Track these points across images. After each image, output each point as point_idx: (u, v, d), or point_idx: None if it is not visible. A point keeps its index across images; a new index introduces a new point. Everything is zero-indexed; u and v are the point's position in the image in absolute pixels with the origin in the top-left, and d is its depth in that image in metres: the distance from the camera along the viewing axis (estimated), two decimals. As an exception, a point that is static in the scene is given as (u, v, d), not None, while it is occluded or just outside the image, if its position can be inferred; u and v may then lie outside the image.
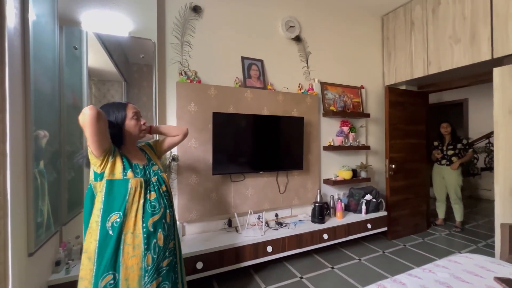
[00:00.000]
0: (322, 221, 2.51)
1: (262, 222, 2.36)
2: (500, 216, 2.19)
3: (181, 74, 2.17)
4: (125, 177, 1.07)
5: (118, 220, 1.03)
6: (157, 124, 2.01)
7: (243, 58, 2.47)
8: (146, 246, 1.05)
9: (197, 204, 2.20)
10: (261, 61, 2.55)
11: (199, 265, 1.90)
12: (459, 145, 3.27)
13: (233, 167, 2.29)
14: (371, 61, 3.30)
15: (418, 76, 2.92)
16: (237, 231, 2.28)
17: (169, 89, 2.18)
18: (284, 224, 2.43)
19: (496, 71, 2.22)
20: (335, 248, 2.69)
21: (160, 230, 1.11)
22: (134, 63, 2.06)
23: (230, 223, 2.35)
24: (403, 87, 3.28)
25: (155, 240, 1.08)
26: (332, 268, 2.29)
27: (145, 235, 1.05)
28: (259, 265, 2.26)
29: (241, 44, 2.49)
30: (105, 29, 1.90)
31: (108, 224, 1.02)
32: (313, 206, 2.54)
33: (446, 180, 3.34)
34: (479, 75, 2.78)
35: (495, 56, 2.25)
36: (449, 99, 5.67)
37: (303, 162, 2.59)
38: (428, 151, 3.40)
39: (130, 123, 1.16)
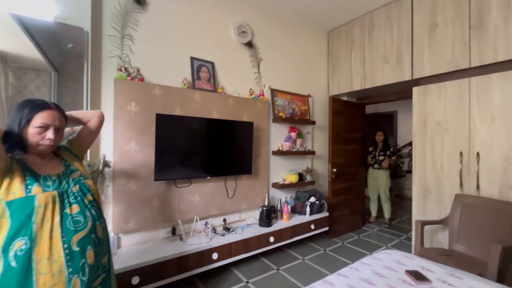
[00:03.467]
0: (269, 224, 2.57)
1: (208, 228, 2.29)
2: (416, 213, 2.56)
3: (121, 70, 1.98)
4: (29, 194, 0.90)
5: (24, 247, 0.85)
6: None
7: (192, 59, 2.38)
8: (71, 270, 0.89)
9: (135, 213, 2.02)
10: (212, 63, 2.50)
11: (135, 280, 1.74)
12: (388, 152, 3.75)
13: (178, 173, 2.17)
14: (318, 72, 3.55)
15: (356, 89, 3.25)
16: (181, 239, 2.16)
17: (105, 86, 1.96)
18: (231, 229, 2.41)
19: (415, 90, 2.61)
20: (281, 249, 2.78)
21: (89, 247, 0.96)
22: (69, 52, 1.81)
23: (174, 232, 2.23)
24: (345, 98, 3.60)
25: (83, 260, 0.93)
26: (278, 269, 2.36)
27: (67, 258, 0.90)
28: (205, 274, 2.18)
29: (190, 44, 2.39)
30: (24, 10, 1.62)
31: (11, 254, 0.84)
32: (260, 210, 2.59)
33: (378, 182, 3.79)
34: (404, 92, 3.22)
35: (414, 77, 2.65)
36: (383, 110, 6.48)
37: (252, 167, 2.62)
38: (364, 156, 3.80)
39: (31, 131, 0.95)
